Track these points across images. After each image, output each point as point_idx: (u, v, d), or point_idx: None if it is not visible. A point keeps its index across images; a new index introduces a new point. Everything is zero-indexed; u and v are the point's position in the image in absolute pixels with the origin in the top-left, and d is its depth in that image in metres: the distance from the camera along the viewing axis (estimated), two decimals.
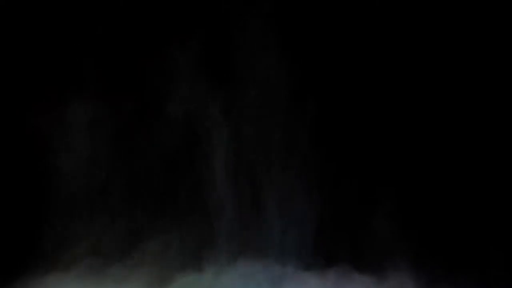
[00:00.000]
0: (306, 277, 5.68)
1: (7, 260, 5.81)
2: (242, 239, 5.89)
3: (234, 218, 5.94)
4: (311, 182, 6.00)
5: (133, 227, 5.94)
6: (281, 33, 6.10)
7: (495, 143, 5.96)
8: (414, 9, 6.08)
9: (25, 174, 6.04)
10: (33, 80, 6.13)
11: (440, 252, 5.80)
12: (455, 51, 6.04)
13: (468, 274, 5.67)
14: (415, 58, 6.04)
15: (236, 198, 5.99)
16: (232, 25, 6.14)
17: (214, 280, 5.71)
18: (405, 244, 5.75)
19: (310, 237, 5.90)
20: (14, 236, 5.91)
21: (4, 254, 5.84)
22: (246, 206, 5.98)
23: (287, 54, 6.08)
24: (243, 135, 6.08)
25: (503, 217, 5.86)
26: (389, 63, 6.05)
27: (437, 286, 5.62)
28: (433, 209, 5.92)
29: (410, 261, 5.67)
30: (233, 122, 6.09)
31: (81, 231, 5.91)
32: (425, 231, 5.85)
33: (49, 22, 6.14)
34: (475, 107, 6.00)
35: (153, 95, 6.12)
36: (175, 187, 6.02)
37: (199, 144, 6.09)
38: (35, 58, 6.13)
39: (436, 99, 6.03)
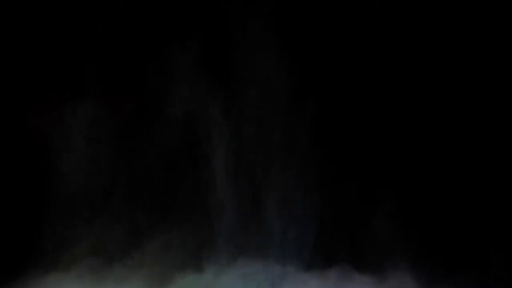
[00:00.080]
0: (306, 277, 5.68)
1: (7, 260, 5.80)
2: (242, 239, 5.89)
3: (234, 218, 5.94)
4: (311, 182, 5.99)
5: (134, 227, 5.95)
6: (281, 33, 6.10)
7: (495, 143, 5.96)
8: (414, 9, 6.08)
9: (25, 174, 6.04)
10: (33, 80, 6.13)
11: (440, 252, 5.80)
12: (455, 51, 6.04)
13: (468, 274, 5.67)
14: (415, 58, 6.04)
15: (236, 198, 5.99)
16: (232, 25, 6.14)
17: (214, 280, 5.71)
18: (405, 244, 5.75)
19: (310, 237, 5.90)
20: (14, 236, 5.91)
21: (4, 254, 5.84)
22: (246, 206, 5.98)
23: (287, 54, 6.08)
24: (243, 135, 6.08)
25: (503, 217, 5.86)
26: (389, 63, 6.05)
27: (437, 286, 5.62)
28: (433, 209, 5.92)
29: (410, 261, 5.67)
30: (233, 122, 6.09)
31: (81, 231, 5.92)
32: (425, 231, 5.85)
33: (49, 22, 6.14)
34: (475, 107, 6.00)
35: (153, 95, 6.13)
36: (175, 187, 6.02)
37: (199, 144, 6.09)
38: (35, 58, 6.13)
39: (436, 99, 6.03)
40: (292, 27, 6.11)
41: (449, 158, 6.00)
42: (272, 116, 6.09)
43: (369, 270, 5.67)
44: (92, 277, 5.67)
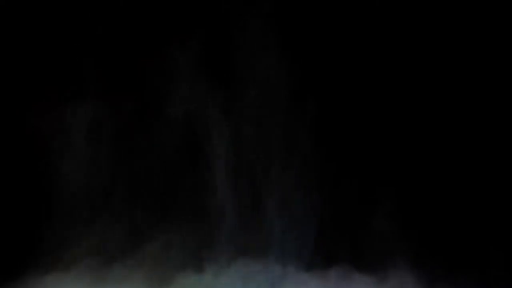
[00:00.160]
0: (307, 277, 5.68)
1: (8, 260, 5.80)
2: (242, 239, 5.89)
3: (234, 218, 5.94)
4: (311, 182, 5.99)
5: (134, 227, 5.94)
6: (281, 33, 6.10)
7: (495, 143, 5.96)
8: (414, 9, 6.08)
9: (25, 174, 6.04)
10: (33, 80, 6.13)
11: (440, 252, 5.80)
12: (455, 51, 6.04)
13: (468, 274, 5.67)
14: (415, 59, 6.04)
15: (236, 198, 5.99)
16: (232, 25, 6.14)
17: (214, 281, 5.71)
18: (405, 244, 5.75)
19: (310, 237, 5.90)
20: (14, 236, 5.91)
21: (4, 254, 5.83)
22: (246, 206, 5.98)
23: (287, 54, 6.08)
24: (243, 135, 6.08)
25: (503, 217, 5.86)
26: (389, 64, 6.05)
27: (437, 286, 5.62)
28: (433, 209, 5.92)
29: (410, 261, 5.67)
30: (233, 122, 6.09)
31: (81, 231, 5.91)
32: (425, 231, 5.86)
33: (49, 23, 6.14)
34: (475, 107, 6.00)
35: (153, 95, 6.12)
36: (175, 187, 6.02)
37: (199, 144, 6.09)
38: (35, 59, 6.13)
39: (436, 100, 6.03)
40: (292, 27, 6.11)
41: (449, 158, 6.00)
42: (272, 116, 6.09)
43: (369, 270, 5.67)
44: (92, 277, 5.67)
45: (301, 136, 6.06)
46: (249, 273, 5.73)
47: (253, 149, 6.08)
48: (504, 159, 5.94)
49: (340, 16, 6.10)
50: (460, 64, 6.02)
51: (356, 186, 6.00)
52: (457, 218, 5.88)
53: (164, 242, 5.86)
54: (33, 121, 6.05)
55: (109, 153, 6.03)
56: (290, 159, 6.07)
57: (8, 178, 6.03)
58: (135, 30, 6.15)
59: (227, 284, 5.69)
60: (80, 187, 5.98)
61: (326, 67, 6.08)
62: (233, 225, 5.94)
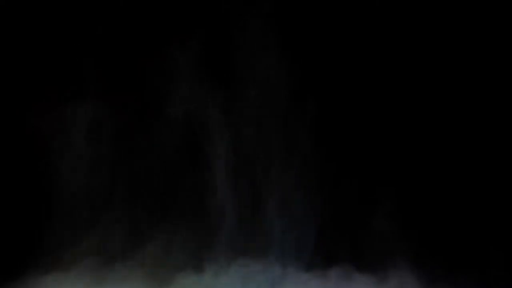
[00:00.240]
0: (307, 278, 5.68)
1: (8, 260, 5.80)
2: (242, 239, 5.89)
3: (234, 218, 5.94)
4: (311, 182, 5.99)
5: (134, 227, 5.94)
6: (281, 33, 6.10)
7: (495, 143, 5.96)
8: (414, 9, 6.08)
9: (25, 174, 6.04)
10: (33, 80, 6.13)
11: (440, 252, 5.80)
12: (455, 51, 6.04)
13: (468, 274, 5.67)
14: (415, 59, 6.04)
15: (236, 198, 5.99)
16: (232, 25, 6.14)
17: (214, 281, 5.71)
18: (405, 244, 5.75)
19: (310, 238, 5.90)
20: (14, 236, 5.91)
21: (4, 254, 5.83)
22: (246, 206, 5.98)
23: (287, 54, 6.08)
24: (243, 135, 6.08)
25: (503, 217, 5.86)
26: (389, 64, 6.05)
27: (437, 286, 5.62)
28: (433, 209, 5.92)
29: (410, 261, 5.67)
30: (233, 122, 6.09)
31: (81, 231, 5.91)
32: (425, 231, 5.86)
33: (49, 22, 6.14)
34: (475, 107, 6.00)
35: (153, 95, 6.12)
36: (176, 187, 6.02)
37: (199, 144, 6.09)
38: (35, 58, 6.13)
39: (436, 100, 6.03)
40: (292, 27, 6.11)
41: (449, 159, 6.00)
42: (272, 116, 6.09)
43: (369, 270, 5.67)
44: (92, 277, 5.67)
45: (301, 136, 6.06)
46: (249, 273, 5.73)
47: (253, 149, 6.08)
48: (504, 159, 5.94)
49: (341, 16, 6.10)
50: (460, 65, 6.02)
51: (356, 186, 6.00)
52: (457, 218, 5.88)
53: (164, 242, 5.86)
54: (33, 121, 6.05)
55: (109, 153, 6.03)
56: (290, 159, 6.07)
57: (8, 178, 6.03)
58: (135, 30, 6.15)
59: (227, 284, 5.69)
60: (80, 187, 5.98)
61: (326, 67, 6.08)
62: (233, 225, 5.94)
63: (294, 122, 6.08)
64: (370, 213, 5.91)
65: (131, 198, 6.00)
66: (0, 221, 5.92)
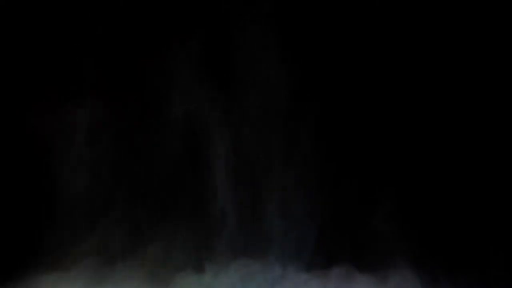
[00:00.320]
0: (307, 278, 5.68)
1: (8, 260, 5.80)
2: (242, 239, 5.89)
3: (234, 218, 5.94)
4: (311, 182, 5.99)
5: (134, 227, 5.94)
6: (281, 33, 6.10)
7: (495, 143, 5.96)
8: (414, 9, 6.08)
9: (25, 174, 6.03)
10: (33, 80, 6.13)
11: (440, 252, 5.80)
12: (455, 51, 6.04)
13: (468, 274, 5.67)
14: (415, 59, 6.04)
15: (236, 198, 5.99)
16: (232, 25, 6.14)
17: (214, 281, 5.71)
18: (405, 244, 5.75)
19: (310, 237, 5.90)
20: (15, 236, 5.91)
21: (4, 254, 5.83)
22: (246, 206, 5.98)
23: (287, 54, 6.08)
24: (243, 135, 6.08)
25: (503, 217, 5.86)
26: (389, 64, 6.05)
27: (437, 286, 5.62)
28: (433, 209, 5.92)
29: (410, 261, 5.67)
30: (233, 122, 6.09)
31: (82, 232, 5.91)
32: (425, 231, 5.86)
33: (49, 22, 6.14)
34: (475, 107, 6.00)
35: (153, 95, 6.12)
36: (176, 187, 6.02)
37: (199, 144, 6.09)
38: (35, 59, 6.12)
39: (436, 100, 6.03)
40: (292, 27, 6.11)
41: (449, 159, 6.00)
42: (272, 116, 6.09)
43: (369, 270, 5.67)
44: (93, 277, 5.67)
45: (301, 136, 6.06)
46: (249, 273, 5.72)
47: (253, 149, 6.08)
48: (504, 159, 5.95)
49: (341, 16, 6.10)
50: (461, 65, 6.02)
51: (356, 186, 6.00)
52: (457, 218, 5.88)
53: (165, 242, 5.86)
54: (33, 121, 6.04)
55: (109, 153, 6.03)
56: (290, 159, 6.07)
57: (8, 178, 6.03)
58: (135, 30, 6.14)
59: (227, 284, 5.69)
60: (80, 187, 5.98)
61: (327, 67, 6.08)
62: (233, 225, 5.94)
63: (294, 122, 6.08)
64: (370, 213, 5.91)
65: (131, 198, 6.00)
66: (1, 221, 5.92)
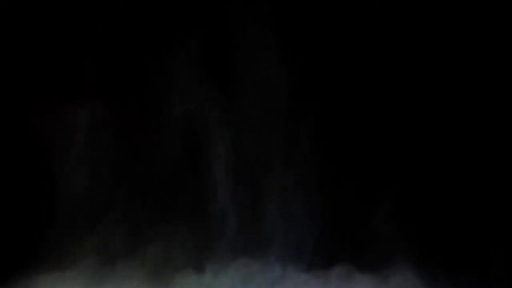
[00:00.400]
0: (307, 278, 5.68)
1: (8, 260, 5.80)
2: (242, 239, 5.89)
3: (235, 218, 5.94)
4: (311, 182, 5.99)
5: (134, 227, 5.94)
6: (281, 33, 6.10)
7: (495, 143, 5.96)
8: (414, 9, 6.08)
9: (25, 174, 6.03)
10: (33, 80, 6.13)
11: (440, 252, 5.80)
12: (455, 51, 6.04)
13: (468, 274, 5.67)
14: (416, 59, 6.04)
15: (236, 198, 5.99)
16: (232, 25, 6.14)
17: (214, 281, 5.71)
18: (405, 244, 5.75)
19: (310, 238, 5.90)
20: (15, 236, 5.91)
21: (5, 254, 5.83)
22: (247, 206, 5.98)
23: (287, 54, 6.08)
24: (243, 135, 6.08)
25: (503, 217, 5.86)
26: (389, 64, 6.06)
27: (438, 286, 5.62)
28: (433, 209, 5.92)
29: (410, 261, 5.67)
30: (233, 122, 6.09)
31: (82, 232, 5.91)
32: (426, 231, 5.86)
33: (49, 22, 6.14)
34: (475, 107, 6.00)
35: (153, 95, 6.12)
36: (176, 187, 6.02)
37: (199, 144, 6.09)
38: (35, 58, 6.13)
39: (436, 100, 6.03)
40: (292, 27, 6.11)
41: (449, 159, 6.00)
42: (272, 116, 6.09)
43: (369, 270, 5.67)
44: (93, 277, 5.67)
45: (301, 136, 6.06)
46: (249, 273, 5.73)
47: (253, 149, 6.08)
48: (504, 159, 5.95)
49: (341, 16, 6.10)
50: (460, 65, 6.02)
51: (356, 186, 6.00)
52: (457, 218, 5.89)
53: (165, 242, 5.86)
54: (33, 121, 6.04)
55: (109, 153, 6.03)
56: (290, 159, 6.07)
57: (8, 178, 6.03)
58: (135, 30, 6.14)
59: (227, 284, 5.69)
60: (81, 187, 5.98)
61: (327, 67, 6.08)
62: (233, 225, 5.94)
63: (294, 122, 6.08)
64: (370, 213, 5.91)
65: (131, 198, 6.00)
66: (1, 221, 5.92)
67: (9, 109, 6.10)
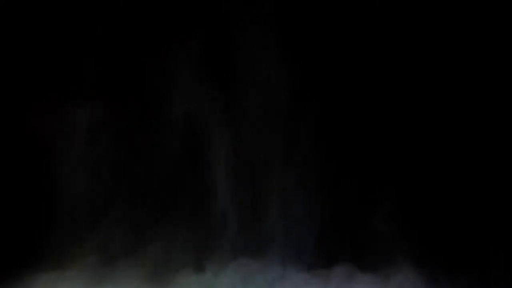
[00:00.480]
0: (307, 278, 5.68)
1: (8, 260, 5.80)
2: (243, 239, 5.89)
3: (235, 218, 5.94)
4: (311, 182, 5.99)
5: (135, 227, 5.94)
6: (281, 33, 6.10)
7: (495, 143, 5.96)
8: (414, 9, 6.08)
9: (25, 174, 6.03)
10: (33, 80, 6.13)
11: (440, 252, 5.80)
12: (455, 51, 6.04)
13: (468, 274, 5.67)
14: (415, 59, 6.04)
15: (237, 198, 5.99)
16: (232, 25, 6.14)
17: (214, 280, 5.71)
18: (405, 244, 5.75)
19: (310, 237, 5.90)
20: (15, 236, 5.91)
21: (4, 254, 5.83)
22: (247, 206, 5.98)
23: (287, 54, 6.08)
24: (243, 135, 6.08)
25: (503, 217, 5.86)
26: (389, 64, 6.06)
27: (438, 285, 5.62)
28: (433, 209, 5.92)
29: (410, 261, 5.67)
30: (233, 122, 6.09)
31: (82, 232, 5.91)
32: (426, 231, 5.86)
33: (49, 22, 6.14)
34: (475, 107, 6.00)
35: (153, 95, 6.12)
36: (176, 187, 6.02)
37: (199, 144, 6.09)
38: (35, 58, 6.13)
39: (436, 100, 6.03)
40: (292, 27, 6.11)
41: (449, 159, 6.00)
42: (272, 116, 6.09)
43: (370, 270, 5.67)
44: (93, 277, 5.67)
45: (301, 136, 6.06)
46: (249, 273, 5.73)
47: (253, 149, 6.08)
48: (504, 159, 5.95)
49: (341, 16, 6.10)
50: (460, 65, 6.02)
51: (356, 186, 6.00)
52: (457, 218, 5.89)
53: (165, 242, 5.86)
54: (33, 121, 6.04)
55: (109, 153, 6.03)
56: (290, 159, 6.07)
57: (8, 178, 6.03)
58: (135, 30, 6.15)
59: (227, 284, 5.69)
60: (80, 187, 5.98)
61: (327, 67, 6.08)
62: (233, 225, 5.94)
63: (294, 122, 6.08)
64: (370, 213, 5.91)
65: (131, 198, 6.00)
66: (1, 221, 5.92)
67: (9, 109, 6.10)
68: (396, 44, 6.06)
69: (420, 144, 6.01)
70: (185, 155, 6.07)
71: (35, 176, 6.02)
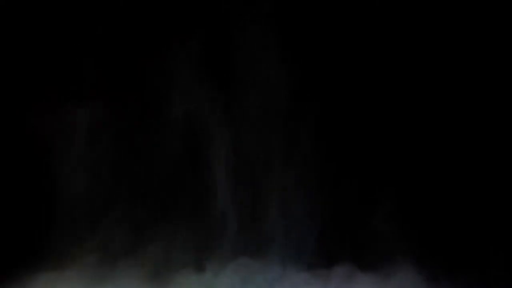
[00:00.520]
0: (307, 277, 5.68)
1: (8, 260, 5.80)
2: (243, 239, 5.89)
3: (235, 218, 5.94)
4: (311, 182, 5.99)
5: (135, 227, 5.94)
6: (281, 33, 6.10)
7: (495, 143, 5.96)
8: (414, 9, 6.08)
9: (25, 174, 6.04)
10: (33, 80, 6.13)
11: (440, 252, 5.80)
12: (455, 52, 6.04)
13: (468, 274, 5.67)
14: (415, 59, 6.04)
15: (237, 198, 5.99)
16: (232, 25, 6.14)
17: (214, 280, 5.71)
18: (405, 244, 5.75)
19: (310, 237, 5.90)
20: (15, 236, 5.91)
21: (4, 254, 5.83)
22: (247, 206, 5.98)
23: (287, 54, 6.08)
24: (243, 135, 6.08)
25: (503, 217, 5.86)
26: (389, 64, 6.06)
27: (438, 285, 5.62)
28: (433, 209, 5.92)
29: (410, 261, 5.67)
30: (233, 122, 6.09)
31: (82, 232, 5.92)
32: (426, 231, 5.86)
33: (49, 22, 6.14)
34: (475, 107, 6.00)
35: (153, 95, 6.12)
36: (176, 187, 6.02)
37: (199, 144, 6.09)
38: (35, 58, 6.13)
39: (436, 100, 6.03)
40: (292, 27, 6.11)
41: (449, 159, 6.00)
42: (272, 116, 6.09)
43: (370, 270, 5.67)
44: (93, 277, 5.67)
45: (301, 136, 6.06)
46: (249, 273, 5.73)
47: (253, 149, 6.08)
48: (504, 159, 5.95)
49: (341, 16, 6.10)
50: (460, 65, 6.02)
51: (356, 186, 6.00)
52: (457, 218, 5.89)
53: (165, 242, 5.86)
54: (33, 121, 6.05)
55: (109, 153, 6.03)
56: (290, 159, 6.07)
57: (8, 178, 6.03)
58: (135, 30, 6.15)
59: (227, 284, 5.69)
60: (80, 187, 5.98)
61: (327, 67, 6.08)
62: (233, 225, 5.94)
63: (294, 122, 6.08)
64: (370, 213, 5.91)
65: (131, 198, 6.00)
66: (1, 221, 5.92)
67: (9, 109, 6.10)
68: (396, 44, 6.06)
69: (420, 144, 6.01)
70: (185, 155, 6.07)
71: (35, 176, 6.02)
